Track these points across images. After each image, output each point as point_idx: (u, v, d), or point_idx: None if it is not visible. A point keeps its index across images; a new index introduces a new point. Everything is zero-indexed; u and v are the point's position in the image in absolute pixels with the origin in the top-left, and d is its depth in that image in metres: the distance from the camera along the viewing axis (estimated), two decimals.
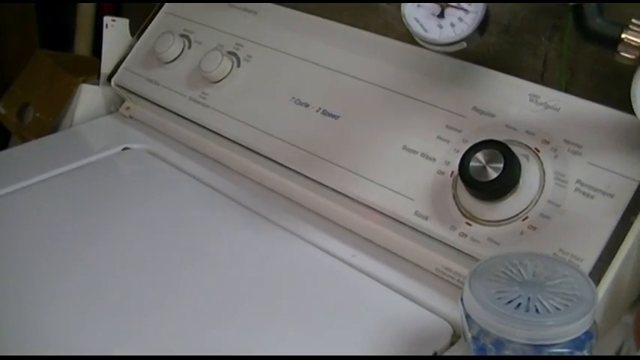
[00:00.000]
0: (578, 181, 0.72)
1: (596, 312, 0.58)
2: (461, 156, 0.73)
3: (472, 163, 0.72)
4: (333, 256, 0.84)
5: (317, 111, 0.89)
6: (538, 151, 0.74)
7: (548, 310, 0.58)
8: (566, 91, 0.78)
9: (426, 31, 0.74)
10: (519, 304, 0.59)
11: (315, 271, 0.83)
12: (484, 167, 0.71)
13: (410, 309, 0.76)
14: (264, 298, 0.78)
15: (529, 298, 0.59)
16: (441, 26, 0.74)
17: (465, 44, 0.74)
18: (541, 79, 0.79)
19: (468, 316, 0.60)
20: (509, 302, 0.59)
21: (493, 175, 0.71)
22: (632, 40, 0.65)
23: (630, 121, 0.71)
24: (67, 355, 0.70)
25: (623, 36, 0.66)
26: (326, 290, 0.80)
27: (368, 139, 0.84)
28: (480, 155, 0.72)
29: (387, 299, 0.78)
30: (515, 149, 0.73)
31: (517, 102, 0.78)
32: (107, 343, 0.71)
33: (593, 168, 0.72)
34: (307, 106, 0.90)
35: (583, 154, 0.73)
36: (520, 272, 0.62)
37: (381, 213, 0.81)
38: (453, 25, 0.74)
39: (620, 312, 0.76)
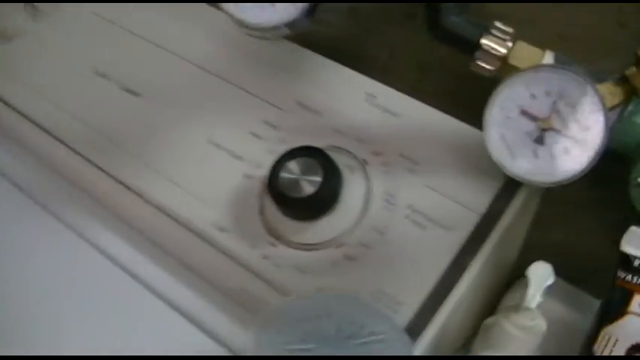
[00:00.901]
0: (410, 207, 0.58)
1: None
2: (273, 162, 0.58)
3: (283, 174, 0.57)
4: (116, 262, 0.67)
5: (117, 85, 0.72)
6: (366, 163, 0.60)
7: None
8: (412, 93, 0.64)
9: (242, 12, 0.58)
10: None
11: (91, 277, 0.67)
12: (297, 181, 0.57)
13: (191, 335, 0.62)
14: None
15: None
16: (262, 8, 0.58)
17: (287, 30, 0.58)
18: (383, 75, 0.65)
19: None
20: None
21: (308, 190, 0.57)
22: (492, 48, 0.52)
23: (480, 139, 0.58)
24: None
25: (482, 41, 0.52)
26: (97, 301, 0.65)
27: (169, 125, 0.68)
28: (294, 165, 0.57)
29: (169, 320, 0.64)
30: (340, 158, 0.59)
31: (350, 101, 0.64)
32: None
33: (430, 192, 0.59)
34: (107, 78, 0.73)
35: (420, 173, 0.59)
36: (321, 324, 0.49)
37: (174, 219, 0.65)
38: (274, 5, 0.58)
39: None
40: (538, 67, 0.52)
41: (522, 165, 0.53)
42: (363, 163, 0.60)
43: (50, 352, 0.61)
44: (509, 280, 0.71)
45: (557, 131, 0.51)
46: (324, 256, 0.59)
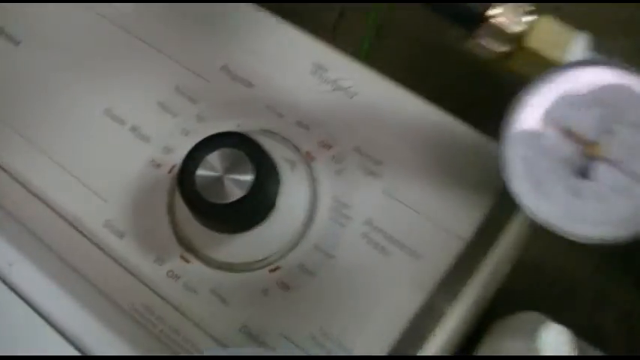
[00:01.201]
0: (369, 222, 0.44)
1: None
2: (187, 151, 0.43)
3: (201, 171, 0.42)
4: None
5: None
6: (311, 158, 0.46)
7: None
8: (367, 58, 0.49)
9: None
10: None
11: None
12: (220, 179, 0.42)
13: None
14: None
15: None
16: None
17: None
18: (332, 35, 0.50)
19: None
20: None
21: (233, 194, 0.42)
22: (503, 24, 0.37)
23: (467, 137, 0.44)
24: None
25: (489, 13, 0.37)
26: None
27: (56, 87, 0.52)
28: (214, 158, 0.42)
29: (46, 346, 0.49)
30: (275, 149, 0.45)
31: (292, 71, 0.49)
32: None
33: (396, 204, 0.45)
34: None
35: (383, 176, 0.45)
36: None
37: (56, 212, 0.49)
38: None
39: None
40: (583, 62, 0.36)
41: (555, 207, 0.38)
42: (307, 158, 0.46)
43: None
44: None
45: (609, 162, 0.36)
46: (252, 280, 0.45)
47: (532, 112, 0.37)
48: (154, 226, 0.47)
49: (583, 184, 0.37)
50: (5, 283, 0.52)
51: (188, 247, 0.46)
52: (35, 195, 0.50)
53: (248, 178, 0.42)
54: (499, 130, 0.38)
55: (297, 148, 0.46)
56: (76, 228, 0.49)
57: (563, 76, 0.36)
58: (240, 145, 0.43)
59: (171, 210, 0.47)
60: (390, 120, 0.46)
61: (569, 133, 0.36)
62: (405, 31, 0.55)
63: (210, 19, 0.51)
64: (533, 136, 0.37)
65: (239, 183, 0.42)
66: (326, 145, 0.46)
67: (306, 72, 0.48)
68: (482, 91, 0.52)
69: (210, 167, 0.43)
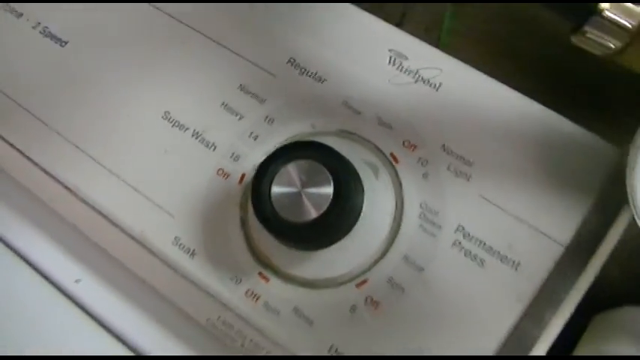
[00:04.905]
0: (461, 229, 0.40)
1: None
2: (258, 152, 0.39)
3: (277, 187, 0.39)
4: (41, 273, 0.49)
5: (34, 27, 0.51)
6: (396, 160, 0.42)
7: None
8: (446, 39, 0.45)
9: None
10: None
11: (10, 300, 0.49)
12: (298, 194, 0.38)
13: None
14: None
15: None
16: None
17: None
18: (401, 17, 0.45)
19: None
20: None
21: (314, 209, 0.38)
22: (619, 15, 0.32)
23: (566, 130, 0.40)
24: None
25: (603, 6, 0.32)
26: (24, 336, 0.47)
27: (108, 90, 0.48)
28: (290, 171, 0.38)
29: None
30: (356, 152, 0.41)
31: (368, 61, 0.44)
32: None
33: (490, 208, 0.40)
34: (20, 15, 0.52)
35: (474, 178, 0.41)
36: None
37: (118, 227, 0.46)
38: None
39: None
40: None
41: None
42: (392, 160, 0.42)
43: None
44: None
45: None
46: (339, 297, 0.41)
47: None
48: (227, 242, 0.43)
49: None
50: (72, 300, 0.49)
51: (266, 264, 0.42)
52: (97, 210, 0.47)
53: (328, 190, 0.38)
54: (628, 134, 0.33)
55: (379, 150, 0.42)
56: (143, 246, 0.45)
57: None
58: (316, 155, 0.39)
59: (244, 224, 0.43)
60: (480, 114, 0.42)
61: None
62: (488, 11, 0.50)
63: (274, 6, 0.47)
64: None
65: (319, 197, 0.38)
66: (411, 146, 0.42)
67: (384, 62, 0.44)
68: (581, 79, 0.47)
69: (285, 182, 0.39)
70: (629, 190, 0.33)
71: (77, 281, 0.49)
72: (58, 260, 0.50)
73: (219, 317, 0.45)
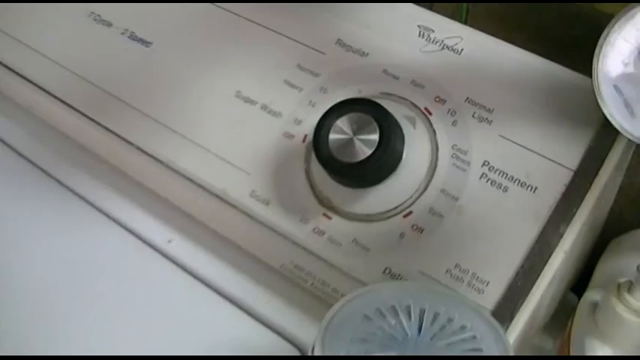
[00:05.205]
0: (486, 164, 0.49)
1: None
2: (317, 116, 0.49)
3: (333, 135, 0.48)
4: (141, 238, 0.58)
5: (122, 33, 0.62)
6: (429, 113, 0.51)
7: None
8: (467, 18, 0.54)
9: None
10: None
11: (113, 260, 0.58)
12: (351, 140, 0.47)
13: (242, 324, 0.54)
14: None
15: None
16: None
17: None
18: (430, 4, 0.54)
19: None
20: None
21: (364, 152, 0.47)
22: None
23: (566, 77, 0.49)
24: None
25: None
26: (127, 292, 0.56)
27: (189, 79, 0.58)
28: (344, 123, 0.48)
29: (211, 308, 0.55)
30: (396, 109, 0.50)
31: (401, 36, 0.54)
32: None
33: (508, 145, 0.49)
34: (110, 25, 0.62)
35: (494, 122, 0.50)
36: (401, 323, 0.40)
37: (205, 188, 0.56)
38: None
39: (532, 337, 0.55)
40: None
41: None
42: (425, 113, 0.51)
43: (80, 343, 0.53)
44: (599, 239, 0.62)
45: None
46: (389, 227, 0.50)
47: (618, 46, 0.41)
48: (294, 191, 0.53)
49: None
50: (167, 257, 0.58)
51: (328, 205, 0.51)
52: (185, 176, 0.56)
53: (375, 137, 0.47)
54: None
55: (415, 106, 0.51)
56: (224, 201, 0.55)
57: None
58: (365, 108, 0.48)
59: (308, 175, 0.52)
60: (496, 71, 0.51)
61: None
62: None
63: None
64: (623, 67, 0.41)
65: (368, 142, 0.47)
66: (440, 100, 0.51)
67: (414, 35, 0.53)
68: (577, 33, 0.55)
69: (340, 131, 0.48)
70: (602, 108, 0.42)
71: (170, 241, 0.59)
72: (153, 225, 0.59)
73: (292, 261, 0.54)
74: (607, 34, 0.42)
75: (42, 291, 0.56)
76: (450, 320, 0.42)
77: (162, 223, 0.59)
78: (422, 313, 0.42)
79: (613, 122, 0.42)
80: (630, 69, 0.42)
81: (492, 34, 0.53)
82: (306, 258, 0.53)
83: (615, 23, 0.42)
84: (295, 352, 0.52)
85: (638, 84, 0.42)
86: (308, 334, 0.50)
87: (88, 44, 0.62)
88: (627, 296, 0.44)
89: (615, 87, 0.42)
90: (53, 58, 0.63)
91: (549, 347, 0.54)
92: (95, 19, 0.63)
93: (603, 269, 0.55)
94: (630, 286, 0.44)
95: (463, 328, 0.41)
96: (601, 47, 0.42)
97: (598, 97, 0.43)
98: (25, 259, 0.58)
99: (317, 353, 0.40)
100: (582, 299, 0.47)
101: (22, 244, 0.59)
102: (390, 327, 0.41)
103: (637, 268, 0.43)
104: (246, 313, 0.55)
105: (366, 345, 0.40)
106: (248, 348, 0.53)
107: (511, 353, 0.41)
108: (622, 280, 0.46)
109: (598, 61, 0.42)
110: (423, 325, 0.41)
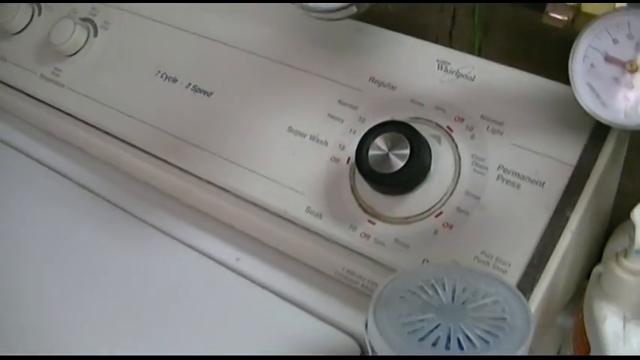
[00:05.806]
0: (501, 167, 0.59)
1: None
2: (357, 141, 0.59)
3: (372, 152, 0.58)
4: (213, 259, 0.69)
5: (187, 87, 0.73)
6: (451, 130, 0.61)
7: (473, 345, 0.47)
8: (480, 53, 0.65)
9: None
10: (438, 338, 0.47)
11: (193, 279, 0.69)
12: (386, 155, 0.58)
13: (307, 323, 0.64)
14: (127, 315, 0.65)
15: (450, 329, 0.47)
16: None
17: (355, 9, 0.59)
18: (449, 40, 0.65)
19: (375, 354, 0.48)
20: (426, 336, 0.47)
21: (398, 164, 0.58)
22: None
23: (561, 92, 0.59)
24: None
25: None
26: (205, 304, 0.67)
27: (247, 120, 0.69)
28: (380, 141, 0.58)
29: (279, 312, 0.66)
30: (423, 130, 0.60)
31: (423, 70, 0.64)
32: None
33: (518, 150, 0.59)
34: (175, 81, 0.74)
35: (505, 133, 0.60)
36: (437, 293, 0.50)
37: (267, 210, 0.66)
38: None
39: (555, 314, 0.64)
40: (615, 11, 0.52)
41: (615, 111, 0.53)
42: (448, 131, 0.61)
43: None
44: (608, 227, 0.71)
45: None
46: (424, 226, 0.60)
47: (586, 52, 0.53)
48: (343, 203, 0.63)
49: (630, 92, 0.53)
50: (237, 273, 0.68)
51: (372, 213, 0.61)
52: (249, 202, 0.67)
53: (406, 151, 0.58)
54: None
55: (439, 126, 0.62)
56: (284, 219, 0.65)
57: (603, 23, 0.52)
58: (397, 128, 0.59)
59: (353, 189, 0.62)
60: (503, 91, 0.61)
61: (614, 60, 0.52)
62: (507, 25, 0.70)
63: (350, 42, 0.68)
64: (590, 68, 0.53)
65: (401, 156, 0.58)
66: (459, 119, 0.61)
67: (433, 68, 0.64)
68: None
69: (377, 148, 0.58)
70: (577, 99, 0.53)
71: (238, 259, 0.69)
72: (222, 248, 0.70)
73: (344, 268, 0.64)
74: (576, 44, 0.53)
75: (138, 309, 0.67)
76: (477, 290, 0.51)
77: (230, 245, 0.70)
78: (454, 285, 0.51)
79: (588, 111, 0.53)
80: (597, 69, 0.53)
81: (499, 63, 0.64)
82: (356, 263, 0.63)
83: (582, 35, 0.53)
84: (350, 341, 0.62)
85: (603, 80, 0.53)
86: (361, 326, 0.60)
87: (158, 98, 0.74)
88: (623, 260, 0.53)
89: (588, 84, 0.53)
90: (129, 114, 0.75)
91: (570, 324, 0.62)
92: (162, 77, 0.75)
93: (610, 249, 0.65)
94: (625, 252, 0.53)
95: (489, 295, 0.51)
96: (573, 54, 0.53)
97: (575, 93, 0.53)
98: (125, 287, 0.69)
99: (369, 322, 0.49)
100: (592, 272, 0.56)
101: (118, 275, 0.70)
102: (428, 297, 0.50)
103: (628, 236, 0.52)
104: (308, 313, 0.64)
105: (409, 312, 0.50)
106: (311, 340, 0.63)
107: (532, 318, 0.50)
108: (619, 249, 0.55)
109: (572, 64, 0.53)
110: (455, 294, 0.51)
